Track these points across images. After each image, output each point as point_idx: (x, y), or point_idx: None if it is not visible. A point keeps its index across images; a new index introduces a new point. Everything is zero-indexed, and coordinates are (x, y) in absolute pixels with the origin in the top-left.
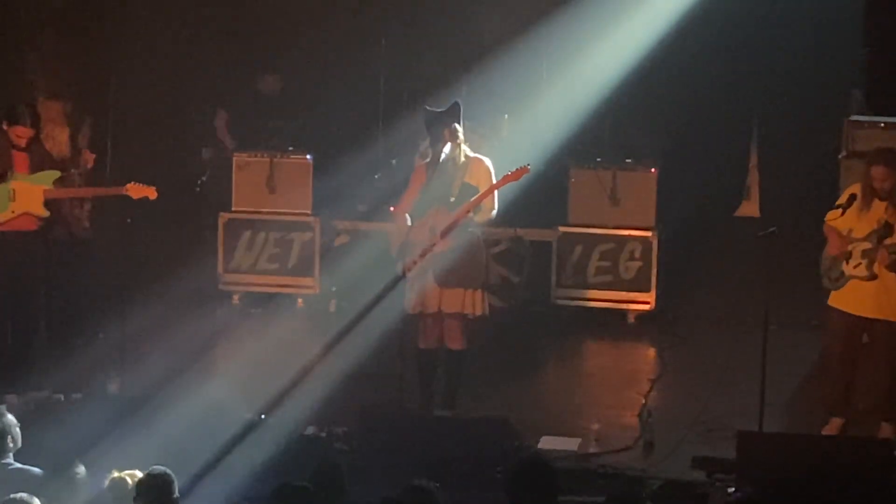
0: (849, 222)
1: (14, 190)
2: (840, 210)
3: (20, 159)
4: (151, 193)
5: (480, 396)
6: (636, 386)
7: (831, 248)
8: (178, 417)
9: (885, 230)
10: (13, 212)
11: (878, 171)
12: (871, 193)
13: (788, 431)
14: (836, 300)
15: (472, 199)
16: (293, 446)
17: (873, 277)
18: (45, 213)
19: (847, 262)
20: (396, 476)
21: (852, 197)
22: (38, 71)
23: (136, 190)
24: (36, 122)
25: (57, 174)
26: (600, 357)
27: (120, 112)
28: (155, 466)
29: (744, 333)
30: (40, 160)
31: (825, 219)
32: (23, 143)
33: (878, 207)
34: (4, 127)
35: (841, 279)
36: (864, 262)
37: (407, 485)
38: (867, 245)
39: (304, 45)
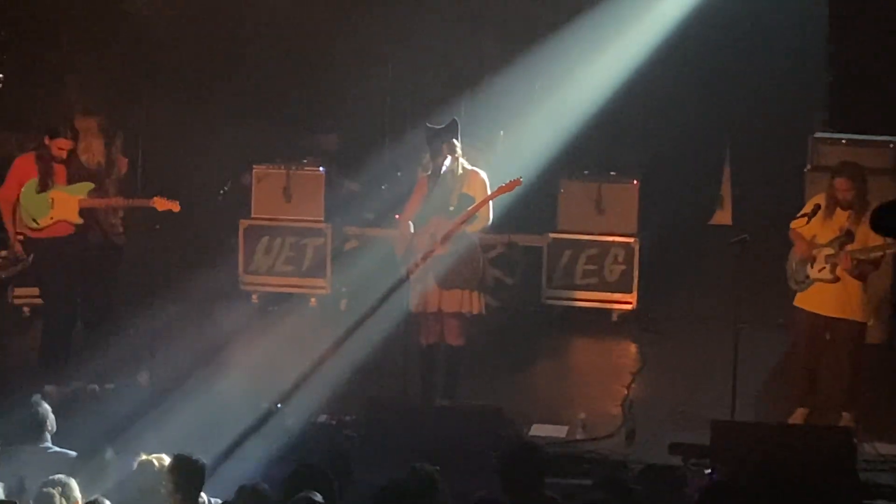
0: (813, 229)
1: (53, 199)
2: (805, 218)
3: (59, 171)
4: (175, 207)
5: (477, 388)
6: (619, 379)
7: (798, 252)
8: (202, 406)
9: (846, 237)
10: (52, 218)
11: (841, 183)
12: (834, 203)
13: (758, 420)
14: (802, 301)
15: (469, 208)
16: (306, 433)
17: (836, 280)
18: (80, 221)
19: (812, 266)
20: (400, 460)
21: (817, 206)
22: (76, 90)
23: (161, 203)
24: (75, 135)
25: (90, 185)
26: (586, 352)
27: (150, 127)
28: (183, 452)
29: (717, 331)
30: (76, 172)
31: (791, 225)
32: (64, 154)
33: (841, 216)
34: (47, 141)
35: (806, 281)
36: (828, 266)
37: (410, 468)
38: (830, 250)
39: (316, 71)
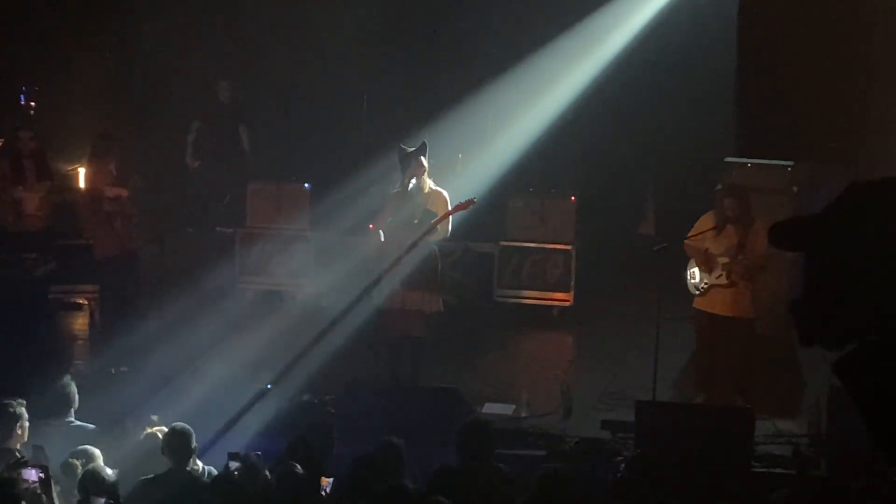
0: (706, 242)
1: (24, 199)
2: (706, 234)
3: (30, 168)
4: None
5: (437, 372)
6: (558, 365)
7: (699, 263)
8: (203, 387)
9: (738, 248)
10: (26, 214)
11: (729, 202)
12: (723, 219)
13: (675, 401)
14: (700, 304)
15: (431, 222)
16: (292, 409)
17: (732, 285)
18: (49, 216)
19: (710, 274)
20: (372, 434)
21: (720, 219)
22: (98, 118)
23: (113, 191)
24: (33, 127)
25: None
26: (530, 342)
27: (155, 149)
28: (176, 423)
29: (641, 325)
30: (45, 172)
31: (686, 241)
32: (32, 146)
33: (730, 230)
34: (16, 138)
35: (704, 287)
36: (724, 273)
37: (380, 441)
38: (726, 259)
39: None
